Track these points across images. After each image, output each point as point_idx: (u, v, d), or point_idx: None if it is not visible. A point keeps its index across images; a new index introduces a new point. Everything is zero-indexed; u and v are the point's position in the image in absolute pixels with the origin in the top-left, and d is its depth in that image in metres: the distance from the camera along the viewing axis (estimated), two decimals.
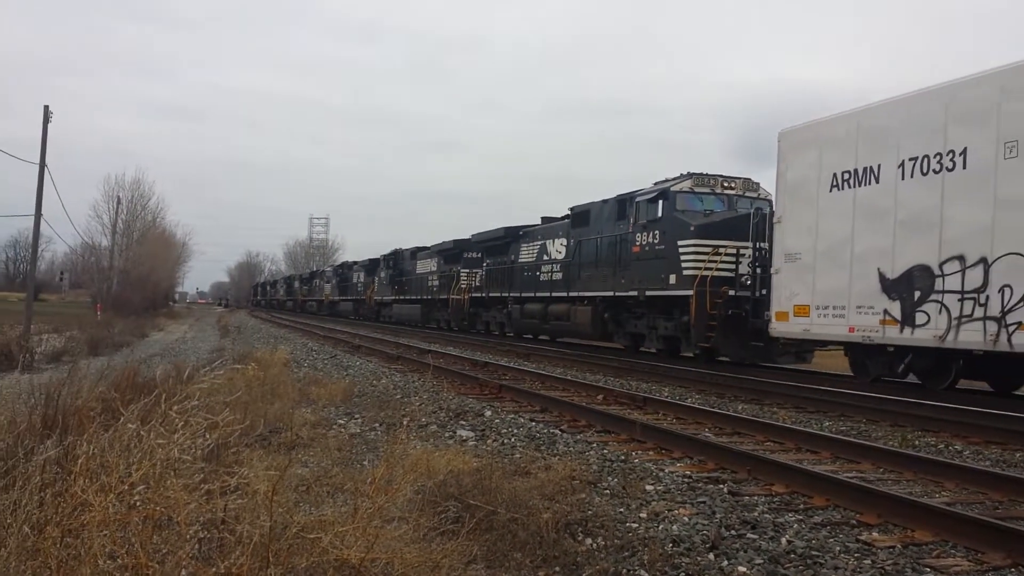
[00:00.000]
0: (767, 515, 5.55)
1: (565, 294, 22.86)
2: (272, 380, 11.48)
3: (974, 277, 11.08)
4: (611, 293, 20.25)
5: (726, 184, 18.68)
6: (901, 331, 12.17)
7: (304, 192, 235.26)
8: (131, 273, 61.58)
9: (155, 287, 68.66)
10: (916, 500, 5.61)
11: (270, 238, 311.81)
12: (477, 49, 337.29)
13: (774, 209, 15.44)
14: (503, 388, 12.50)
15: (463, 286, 31.92)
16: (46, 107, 30.51)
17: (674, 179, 18.76)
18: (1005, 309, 10.62)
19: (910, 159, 12.13)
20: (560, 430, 9.05)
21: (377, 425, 9.17)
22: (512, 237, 28.11)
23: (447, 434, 8.71)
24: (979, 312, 10.97)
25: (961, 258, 11.30)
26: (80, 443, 4.10)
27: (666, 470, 6.97)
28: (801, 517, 5.54)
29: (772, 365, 16.48)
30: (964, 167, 11.31)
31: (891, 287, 12.40)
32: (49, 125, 30.50)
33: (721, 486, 6.42)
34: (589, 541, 4.93)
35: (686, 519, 5.40)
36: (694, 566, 4.51)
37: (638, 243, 19.13)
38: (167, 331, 38.67)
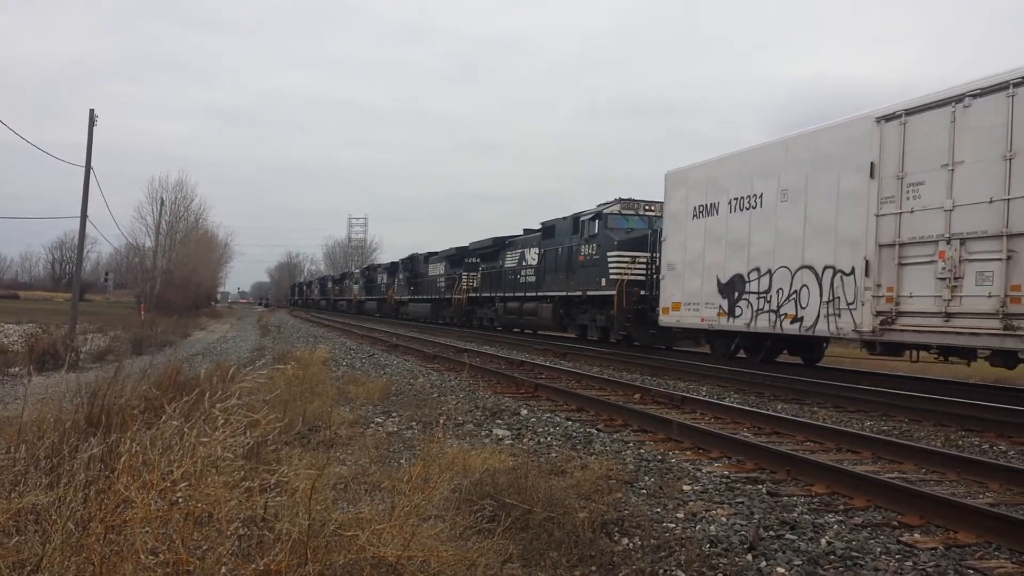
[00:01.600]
0: (806, 516, 5.49)
1: (535, 294, 28.10)
2: (311, 379, 11.59)
3: (764, 283, 15.87)
4: (564, 293, 25.52)
5: (647, 207, 23.36)
6: (728, 320, 17.01)
7: (344, 193, 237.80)
8: (174, 273, 62.53)
9: (197, 287, 69.66)
10: (959, 501, 5.51)
11: (310, 238, 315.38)
12: (519, 49, 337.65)
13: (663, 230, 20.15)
14: (539, 387, 12.49)
15: (463, 287, 36.84)
16: (91, 111, 31.10)
17: (609, 203, 23.70)
18: (779, 305, 15.39)
19: (735, 199, 16.93)
20: (596, 429, 9.02)
21: (414, 424, 9.22)
22: (500, 246, 33.42)
23: (483, 433, 8.73)
24: (767, 307, 15.75)
25: (758, 269, 16.09)
26: (123, 441, 4.17)
27: (704, 470, 6.92)
28: (841, 518, 5.48)
29: (683, 349, 21.67)
30: (761, 206, 16.11)
31: (723, 289, 17.18)
32: (95, 129, 31.09)
33: (760, 486, 6.36)
34: (625, 541, 4.91)
35: (724, 519, 5.36)
36: (732, 567, 4.48)
37: (583, 253, 24.25)
38: (209, 330, 39.21)
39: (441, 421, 9.00)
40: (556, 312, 26.40)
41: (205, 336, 33.87)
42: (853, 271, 13.63)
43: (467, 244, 38.47)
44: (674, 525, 5.23)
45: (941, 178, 12.02)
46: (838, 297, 13.97)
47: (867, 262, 13.28)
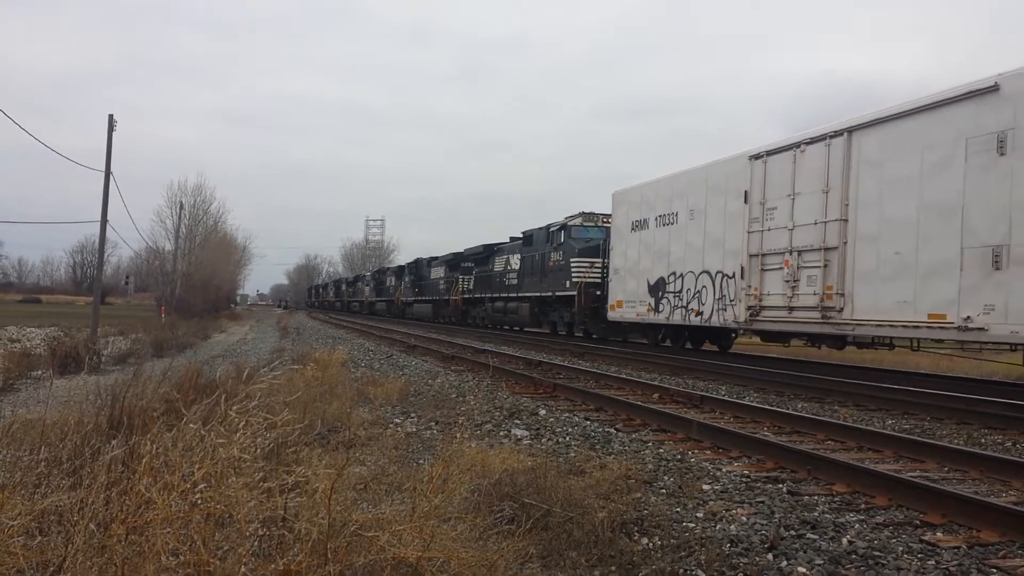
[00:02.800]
0: (827, 515, 5.46)
1: (517, 295, 32.32)
2: (330, 380, 11.63)
3: (679, 284, 19.83)
4: (539, 294, 29.66)
5: (605, 220, 26.23)
6: (654, 315, 21.04)
7: (359, 195, 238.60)
8: (194, 276, 62.82)
9: (217, 290, 70.03)
10: (982, 500, 5.46)
11: (328, 240, 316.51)
12: (522, 50, 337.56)
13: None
14: (557, 387, 12.48)
15: (460, 289, 40.80)
16: (111, 116, 31.32)
17: (574, 216, 27.78)
18: (688, 302, 19.27)
19: (659, 216, 20.96)
20: (615, 429, 9.01)
21: (433, 424, 9.23)
22: (490, 252, 37.48)
23: (502, 433, 8.74)
24: (680, 303, 19.69)
25: (675, 273, 20.05)
26: (144, 443, 4.19)
27: (723, 469, 6.89)
28: (863, 517, 5.44)
29: (634, 340, 25.70)
30: (677, 223, 20.05)
31: (651, 289, 21.23)
32: (114, 134, 31.33)
33: (780, 486, 6.33)
34: (645, 541, 4.90)
35: (744, 519, 5.33)
36: (752, 566, 4.46)
37: (552, 260, 28.40)
38: (229, 332, 39.42)
39: (460, 421, 9.02)
40: (532, 310, 30.91)
41: (225, 338, 34.05)
42: (735, 275, 17.40)
43: (463, 250, 42.18)
44: (694, 525, 5.21)
45: (787, 205, 15.87)
46: (725, 295, 17.80)
47: (742, 268, 17.15)
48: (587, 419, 9.72)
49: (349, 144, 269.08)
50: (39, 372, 16.25)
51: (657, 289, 20.90)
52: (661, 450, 7.79)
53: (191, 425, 4.32)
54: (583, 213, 27.51)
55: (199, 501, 3.66)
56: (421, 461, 7.07)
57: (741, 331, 19.22)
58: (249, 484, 3.97)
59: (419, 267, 53.13)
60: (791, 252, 15.57)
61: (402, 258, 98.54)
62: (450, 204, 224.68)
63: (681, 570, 4.46)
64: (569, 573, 4.43)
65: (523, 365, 17.00)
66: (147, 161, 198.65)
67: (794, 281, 15.43)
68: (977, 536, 4.98)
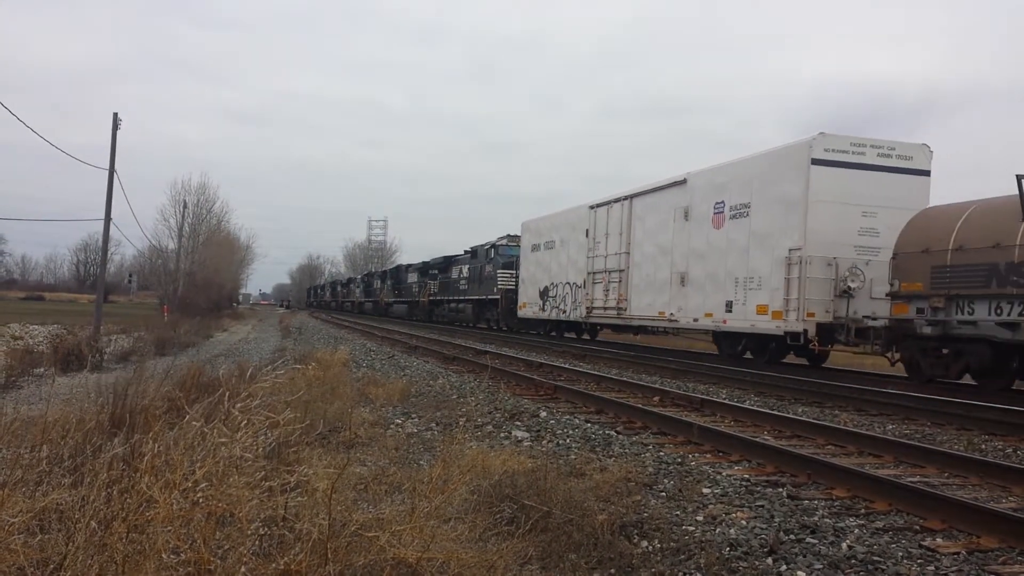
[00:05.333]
0: (827, 519, 5.46)
1: (465, 298, 41.07)
2: (332, 380, 11.64)
3: (555, 291, 28.37)
4: (479, 297, 38.66)
5: (519, 242, 34.20)
6: (543, 313, 29.68)
7: (363, 194, 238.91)
8: (197, 275, 62.88)
9: (220, 289, 70.08)
10: (982, 505, 5.46)
11: (331, 240, 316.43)
12: (535, 48, 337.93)
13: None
14: (558, 389, 12.49)
15: (428, 292, 49.32)
16: (115, 115, 31.37)
17: (502, 237, 36.37)
18: (559, 304, 27.87)
19: (545, 242, 29.62)
20: (615, 432, 9.01)
21: (434, 425, 9.24)
22: (449, 262, 46.26)
23: (502, 434, 8.74)
24: (555, 305, 28.27)
25: (553, 283, 28.64)
26: (146, 441, 4.21)
27: (723, 473, 6.89)
28: (862, 522, 5.44)
29: (533, 332, 33.45)
30: (554, 248, 28.63)
31: (541, 295, 29.81)
32: (120, 131, 31.37)
33: (780, 490, 6.33)
34: (645, 543, 4.90)
35: (744, 523, 5.34)
36: (752, 570, 4.46)
37: (486, 271, 37.40)
38: (231, 332, 39.44)
39: (461, 422, 9.03)
40: (475, 310, 39.77)
41: (227, 337, 34.08)
42: (582, 285, 26.15)
43: (431, 260, 51.34)
44: (694, 528, 5.21)
45: (604, 241, 24.63)
46: (577, 299, 26.67)
47: (584, 281, 26.07)
48: (588, 421, 9.72)
49: (354, 144, 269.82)
50: (41, 369, 16.27)
51: (544, 295, 29.78)
52: (661, 453, 7.80)
53: (193, 424, 4.34)
54: (508, 235, 36.12)
55: (200, 500, 3.67)
56: (421, 462, 7.08)
57: (585, 324, 27.96)
58: (250, 483, 3.98)
59: (399, 272, 62.48)
60: (606, 272, 24.47)
61: (405, 259, 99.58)
62: (456, 204, 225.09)
63: (680, 573, 4.46)
64: (569, 575, 4.43)
65: (524, 367, 17.01)
66: (154, 159, 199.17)
67: (607, 291, 24.33)
68: (977, 542, 4.98)
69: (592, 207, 25.31)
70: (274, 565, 3.51)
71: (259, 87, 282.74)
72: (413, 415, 10.01)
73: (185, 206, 63.81)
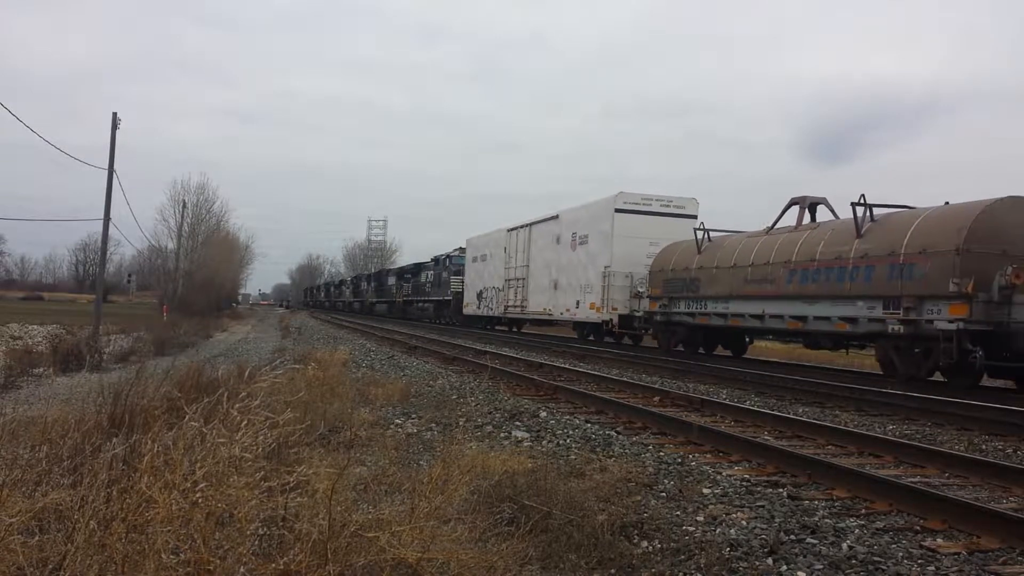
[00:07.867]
0: (827, 520, 5.45)
1: (428, 298, 50.79)
2: (332, 380, 11.62)
3: (487, 294, 38.15)
4: (438, 298, 47.94)
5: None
6: (480, 311, 39.29)
7: (363, 195, 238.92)
8: (196, 275, 62.92)
9: (219, 289, 70.08)
10: (982, 506, 5.45)
11: (331, 240, 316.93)
12: (536, 48, 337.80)
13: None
14: (558, 389, 12.48)
15: (402, 293, 58.56)
16: (114, 115, 31.38)
17: (456, 249, 45.58)
18: (489, 303, 37.80)
19: (480, 255, 39.76)
20: (616, 432, 9.00)
21: (434, 425, 9.23)
22: (418, 268, 55.24)
23: (502, 435, 8.73)
24: (487, 305, 38.22)
25: (485, 288, 38.38)
26: (145, 441, 4.20)
27: (724, 473, 6.89)
28: (863, 522, 5.43)
29: (475, 327, 40.45)
30: (486, 261, 38.64)
31: (478, 296, 39.59)
32: (117, 131, 31.35)
33: (780, 490, 6.33)
34: (645, 544, 4.90)
35: (744, 523, 5.33)
36: (752, 571, 4.46)
37: (444, 276, 46.54)
38: (231, 332, 39.44)
39: (461, 423, 9.02)
40: (435, 309, 49.39)
41: (227, 337, 34.07)
42: (502, 289, 34.98)
43: (405, 265, 61.92)
44: (694, 528, 5.21)
45: (515, 256, 33.69)
46: (499, 300, 35.43)
47: (503, 287, 35.00)
48: (588, 422, 9.71)
49: (354, 144, 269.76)
50: (41, 369, 16.27)
51: (480, 297, 38.96)
52: (662, 453, 7.79)
53: (192, 424, 4.33)
54: (459, 248, 44.83)
55: (200, 500, 3.66)
56: (422, 462, 7.07)
57: (503, 318, 36.55)
58: (250, 483, 3.97)
59: (380, 276, 72.28)
60: (516, 280, 33.47)
61: (404, 259, 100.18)
62: (460, 204, 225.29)
63: (681, 573, 4.46)
64: (569, 575, 4.42)
65: (524, 367, 17.00)
66: (154, 159, 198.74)
67: (516, 294, 33.32)
68: (977, 542, 4.97)
69: (509, 231, 34.75)
70: (274, 565, 3.50)
71: (259, 87, 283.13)
72: (413, 415, 10.00)
73: (184, 206, 63.94)
